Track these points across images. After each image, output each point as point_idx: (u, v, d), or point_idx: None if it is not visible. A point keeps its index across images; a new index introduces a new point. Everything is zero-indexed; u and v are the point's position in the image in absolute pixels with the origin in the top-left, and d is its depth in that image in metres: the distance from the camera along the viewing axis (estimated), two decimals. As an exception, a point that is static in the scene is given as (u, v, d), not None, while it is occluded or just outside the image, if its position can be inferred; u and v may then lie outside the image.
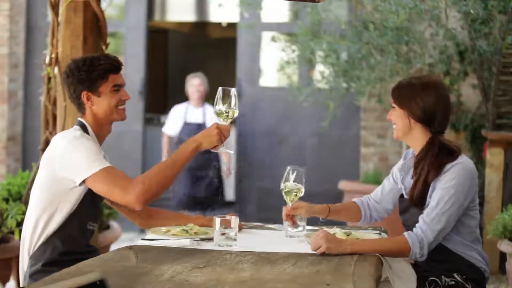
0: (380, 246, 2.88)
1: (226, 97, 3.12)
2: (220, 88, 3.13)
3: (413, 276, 3.01)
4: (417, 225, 2.95)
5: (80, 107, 3.19)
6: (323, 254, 2.80)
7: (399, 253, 2.89)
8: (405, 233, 2.92)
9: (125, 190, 2.92)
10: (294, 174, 3.22)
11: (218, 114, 3.14)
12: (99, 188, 2.98)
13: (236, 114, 3.16)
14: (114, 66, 3.18)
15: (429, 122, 3.09)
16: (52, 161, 3.05)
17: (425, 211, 2.98)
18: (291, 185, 3.20)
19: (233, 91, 3.14)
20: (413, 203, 3.11)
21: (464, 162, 3.03)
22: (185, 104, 7.64)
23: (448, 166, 3.02)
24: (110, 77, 3.16)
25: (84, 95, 3.14)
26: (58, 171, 3.02)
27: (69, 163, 2.99)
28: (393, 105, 3.17)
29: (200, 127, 7.22)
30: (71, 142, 3.03)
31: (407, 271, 3.01)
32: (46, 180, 3.06)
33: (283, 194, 3.23)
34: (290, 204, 3.24)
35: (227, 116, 3.12)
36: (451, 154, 3.06)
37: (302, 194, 3.24)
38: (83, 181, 2.98)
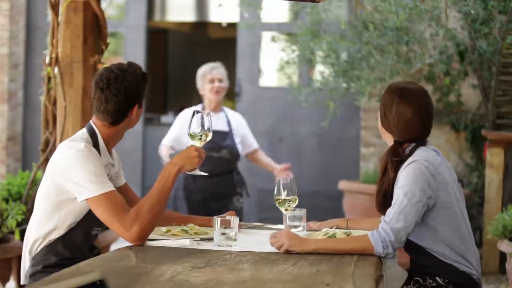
0: (343, 245, 2.91)
1: (200, 119, 3.16)
2: (194, 111, 3.19)
3: (402, 271, 3.07)
4: (379, 225, 2.97)
5: (119, 120, 3.14)
6: (286, 252, 2.84)
7: (363, 252, 2.89)
8: (369, 233, 2.93)
9: (124, 227, 2.91)
10: (286, 185, 3.22)
11: (192, 136, 3.17)
12: (97, 213, 2.97)
13: (209, 137, 3.20)
14: (147, 75, 3.24)
15: (388, 128, 3.14)
16: (55, 171, 3.03)
17: (387, 211, 3.00)
18: (284, 196, 3.20)
19: (206, 114, 3.19)
20: (377, 210, 3.16)
21: (418, 159, 3.02)
22: (199, 108, 5.62)
23: (406, 163, 3.04)
24: None
25: (134, 108, 3.14)
26: (61, 183, 3.00)
27: (70, 180, 2.97)
28: None
29: (226, 136, 5.54)
30: (75, 156, 2.98)
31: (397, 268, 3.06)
32: (51, 188, 3.04)
33: (277, 204, 3.24)
34: (286, 214, 3.25)
35: (200, 138, 3.16)
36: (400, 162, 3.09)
37: (296, 204, 3.24)
38: (84, 200, 2.98)
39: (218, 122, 5.45)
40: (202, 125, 3.16)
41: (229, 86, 5.69)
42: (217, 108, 5.57)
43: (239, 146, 5.58)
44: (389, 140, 3.17)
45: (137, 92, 3.13)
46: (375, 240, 2.89)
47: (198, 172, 3.17)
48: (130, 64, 3.19)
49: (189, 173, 3.17)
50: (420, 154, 3.04)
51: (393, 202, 2.99)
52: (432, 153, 3.08)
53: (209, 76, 5.56)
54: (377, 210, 3.18)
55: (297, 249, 2.85)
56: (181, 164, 3.06)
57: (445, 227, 3.05)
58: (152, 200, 2.98)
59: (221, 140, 5.47)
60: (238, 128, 5.62)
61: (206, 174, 3.35)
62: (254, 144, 5.80)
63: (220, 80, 5.56)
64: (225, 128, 5.56)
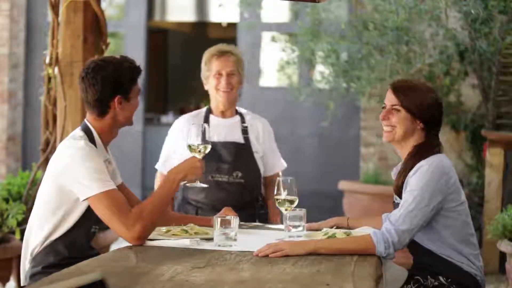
0: (345, 245, 2.91)
1: (199, 132, 3.13)
2: (192, 125, 3.18)
3: (402, 271, 3.08)
4: (384, 224, 2.97)
5: (103, 111, 3.11)
6: (285, 256, 2.79)
7: (364, 252, 2.88)
8: (371, 232, 2.93)
9: (125, 226, 2.92)
10: (286, 185, 3.21)
11: (192, 149, 3.14)
12: (98, 212, 2.97)
13: (208, 149, 3.17)
14: (140, 70, 3.18)
15: (430, 123, 3.11)
16: (56, 172, 3.03)
17: (392, 212, 3.01)
18: (284, 196, 3.21)
19: (205, 126, 3.17)
20: (396, 194, 3.14)
21: (432, 162, 3.03)
22: (201, 113, 4.07)
23: (417, 167, 3.03)
24: (137, 82, 3.17)
25: (117, 99, 3.09)
26: (62, 183, 3.01)
27: (72, 179, 2.98)
28: (396, 107, 3.12)
29: (241, 151, 3.96)
30: (75, 154, 3.00)
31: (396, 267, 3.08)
32: (52, 189, 3.04)
33: (277, 204, 3.24)
34: (286, 214, 3.21)
35: (199, 151, 3.14)
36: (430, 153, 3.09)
37: (296, 204, 3.23)
38: (86, 199, 2.98)
39: (230, 131, 3.97)
40: (201, 137, 3.14)
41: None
42: (228, 112, 4.00)
43: (260, 165, 4.04)
44: (415, 136, 3.13)
45: (117, 82, 3.09)
46: (377, 240, 2.88)
47: (199, 184, 3.16)
48: (121, 57, 3.17)
49: (189, 185, 3.17)
50: (433, 158, 3.05)
51: (400, 204, 2.99)
52: (442, 156, 3.09)
53: (215, 66, 3.95)
54: (394, 191, 3.16)
55: (299, 252, 2.83)
56: (185, 173, 3.07)
57: (451, 231, 3.06)
58: (155, 202, 3.00)
59: (233, 158, 3.91)
60: (260, 139, 4.07)
61: (206, 186, 3.28)
62: (277, 165, 4.17)
63: (230, 74, 3.94)
64: (239, 139, 3.99)
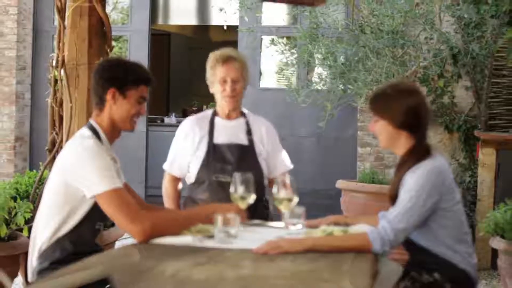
0: (342, 242, 2.93)
1: (242, 182, 3.13)
2: (236, 174, 3.14)
3: (397, 267, 3.14)
4: (380, 222, 3.01)
5: (100, 103, 3.19)
6: (284, 253, 2.80)
7: (361, 249, 2.90)
8: (368, 230, 2.97)
9: (132, 220, 2.95)
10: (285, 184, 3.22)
11: (235, 199, 3.14)
12: (105, 209, 3.01)
13: (252, 199, 3.15)
14: (148, 78, 3.25)
15: (412, 126, 3.14)
16: (64, 170, 3.08)
17: (389, 211, 3.05)
18: (283, 195, 3.22)
19: (250, 176, 3.15)
20: (390, 202, 3.18)
21: (430, 163, 3.07)
22: (207, 115, 4.12)
23: (415, 168, 3.08)
24: (141, 87, 3.21)
25: (110, 91, 3.16)
26: (69, 181, 3.05)
27: (80, 176, 3.02)
28: (375, 117, 3.20)
29: (244, 152, 3.99)
30: (83, 153, 3.05)
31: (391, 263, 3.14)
32: (59, 186, 3.09)
33: (276, 203, 3.24)
34: (285, 213, 3.20)
35: (243, 201, 3.15)
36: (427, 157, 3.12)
37: (295, 202, 3.24)
38: (93, 196, 3.03)
39: (234, 132, 4.02)
40: (246, 187, 3.14)
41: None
42: (233, 114, 4.04)
43: (263, 166, 4.06)
44: (402, 142, 3.17)
45: (114, 76, 3.17)
46: (373, 238, 2.92)
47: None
48: (138, 64, 3.27)
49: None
50: (432, 159, 3.09)
51: (397, 203, 3.03)
52: (440, 157, 3.14)
53: (220, 72, 3.97)
54: (390, 203, 3.18)
55: (297, 249, 2.84)
56: (216, 210, 3.09)
57: (446, 230, 3.11)
58: (174, 214, 3.15)
59: (237, 159, 3.94)
60: (264, 141, 4.10)
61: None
62: (281, 166, 4.17)
63: (235, 80, 3.97)
64: (243, 140, 4.02)
